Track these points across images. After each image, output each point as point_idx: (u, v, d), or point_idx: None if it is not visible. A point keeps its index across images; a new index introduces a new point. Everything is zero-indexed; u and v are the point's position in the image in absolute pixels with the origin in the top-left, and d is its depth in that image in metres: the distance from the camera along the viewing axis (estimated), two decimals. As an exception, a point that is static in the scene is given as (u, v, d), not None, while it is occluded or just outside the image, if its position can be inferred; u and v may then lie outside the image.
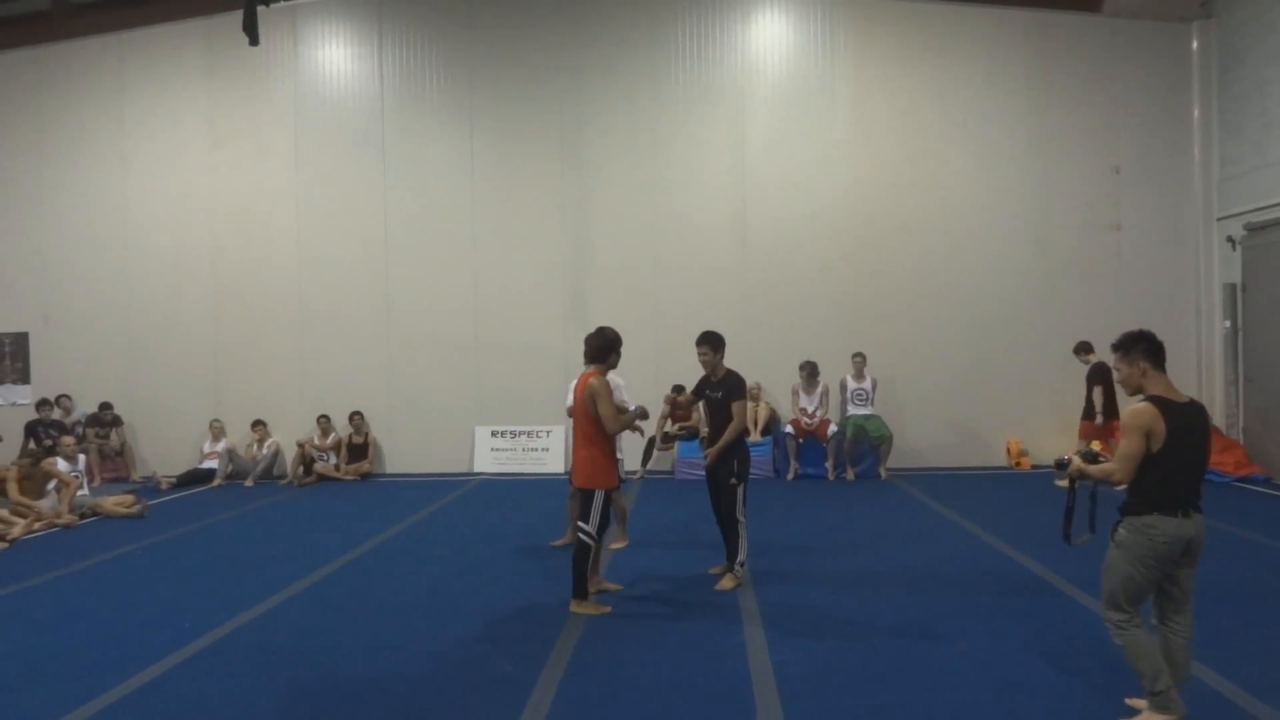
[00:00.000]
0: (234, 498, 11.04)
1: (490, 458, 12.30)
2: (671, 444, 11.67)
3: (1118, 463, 3.70)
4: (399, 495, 10.82)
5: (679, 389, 11.67)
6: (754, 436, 11.45)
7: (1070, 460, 3.96)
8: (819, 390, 11.58)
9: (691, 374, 11.49)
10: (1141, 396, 3.79)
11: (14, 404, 12.99)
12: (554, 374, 12.24)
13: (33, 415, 12.29)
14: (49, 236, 13.17)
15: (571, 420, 6.14)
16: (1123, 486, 3.77)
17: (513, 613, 5.85)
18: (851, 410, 11.47)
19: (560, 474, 12.05)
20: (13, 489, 9.34)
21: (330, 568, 7.18)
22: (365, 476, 12.16)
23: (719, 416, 6.45)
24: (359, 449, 12.35)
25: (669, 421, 11.76)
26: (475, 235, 12.56)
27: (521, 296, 12.48)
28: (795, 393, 11.60)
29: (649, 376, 11.95)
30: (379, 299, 12.63)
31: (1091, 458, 3.93)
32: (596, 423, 5.71)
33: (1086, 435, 10.01)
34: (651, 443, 11.79)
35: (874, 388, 11.53)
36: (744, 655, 4.85)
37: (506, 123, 12.56)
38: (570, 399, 6.32)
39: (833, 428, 11.38)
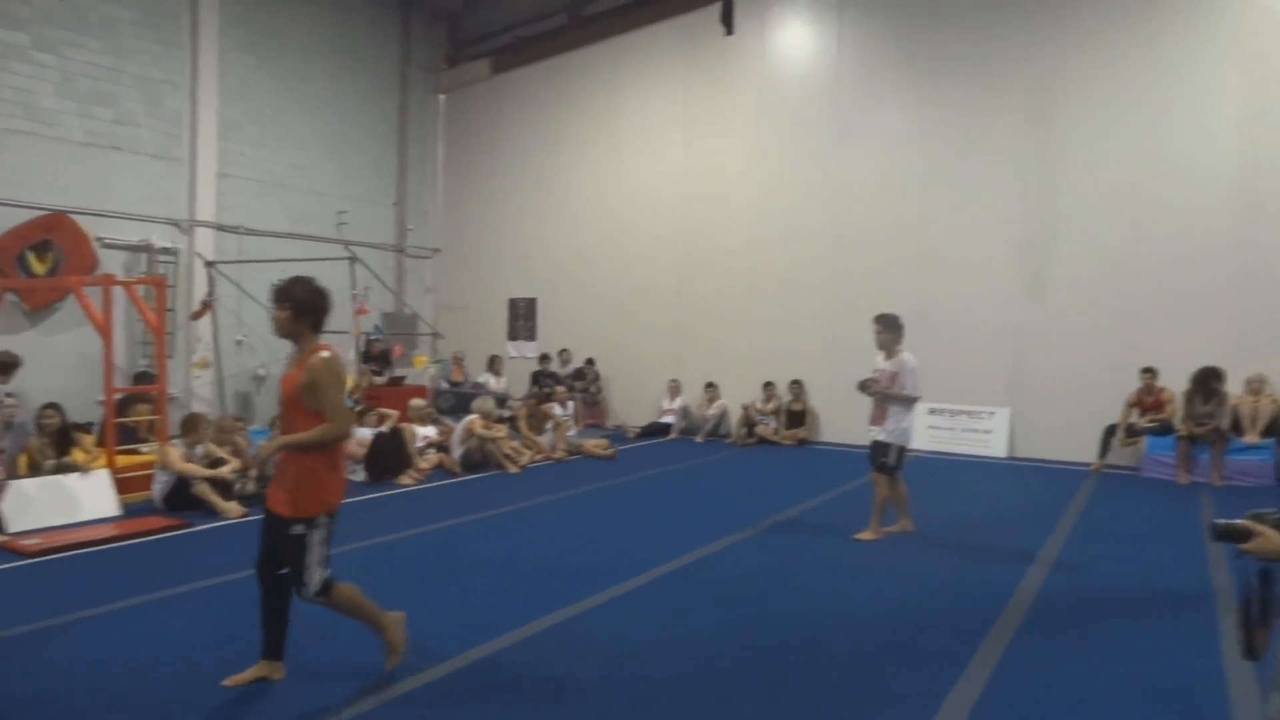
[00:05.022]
0: (686, 450, 12.28)
1: (927, 435, 11.98)
2: (1138, 437, 10.37)
3: None
4: (833, 462, 11.11)
5: (1150, 371, 10.32)
6: (1250, 437, 9.70)
7: (1244, 528, 2.44)
8: (1351, 388, 9.39)
9: (1171, 362, 10.10)
10: None
11: (524, 356, 15.86)
12: (1004, 352, 11.59)
13: (536, 367, 14.86)
14: (558, 217, 15.81)
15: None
16: None
17: (948, 589, 5.75)
18: (1399, 415, 9.12)
19: (1001, 458, 11.40)
20: (523, 425, 11.45)
21: (771, 520, 7.69)
22: (802, 442, 12.68)
23: None
24: (797, 415, 12.89)
25: (1136, 411, 10.48)
26: (927, 204, 12.21)
27: (973, 266, 11.87)
28: (1314, 389, 9.54)
29: (1115, 358, 10.72)
30: (826, 272, 12.94)
31: (1277, 524, 2.45)
32: (307, 418, 3.91)
33: None
34: (1111, 433, 10.59)
35: None
36: (1221, 682, 4.23)
37: (966, 89, 11.90)
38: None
39: (1369, 435, 9.17)
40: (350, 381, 11.37)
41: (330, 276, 13.47)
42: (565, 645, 4.65)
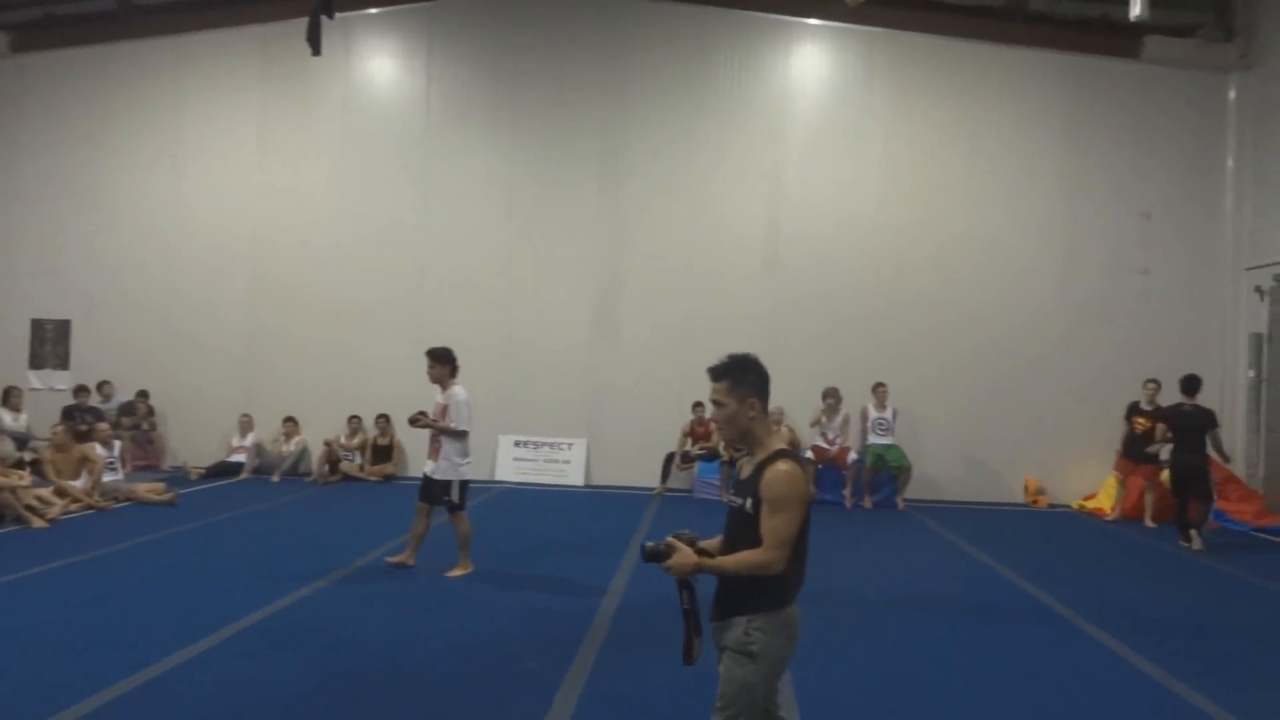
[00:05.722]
0: (261, 492, 11.27)
1: (513, 467, 12.48)
2: (692, 463, 11.82)
3: (777, 549, 2.69)
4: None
5: (700, 405, 11.85)
6: (774, 460, 11.59)
7: (666, 547, 2.80)
8: (840, 417, 11.69)
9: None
10: (769, 453, 2.85)
11: (52, 389, 13.29)
12: (581, 388, 12.48)
13: (70, 400, 12.56)
14: (99, 228, 13.49)
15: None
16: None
17: (536, 615, 6.01)
18: (872, 439, 11.57)
19: (580, 486, 12.23)
20: (50, 470, 9.61)
21: (358, 563, 7.36)
22: (389, 478, 12.36)
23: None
24: (384, 450, 12.56)
25: (689, 441, 11.94)
26: (510, 246, 12.79)
27: (552, 309, 12.68)
28: (817, 419, 11.70)
29: (673, 394, 12.11)
30: (412, 306, 12.83)
31: (692, 541, 2.85)
32: None
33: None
34: (670, 460, 11.95)
35: (895, 417, 11.64)
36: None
37: (547, 137, 12.82)
38: None
39: (853, 455, 11.49)
40: None
41: None
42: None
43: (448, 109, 13.04)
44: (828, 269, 12.35)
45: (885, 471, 11.48)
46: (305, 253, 13.13)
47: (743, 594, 2.78)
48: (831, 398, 11.62)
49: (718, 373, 2.95)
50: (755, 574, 2.72)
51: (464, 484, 7.09)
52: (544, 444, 12.55)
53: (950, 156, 12.36)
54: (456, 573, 7.07)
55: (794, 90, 12.63)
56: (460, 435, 7.01)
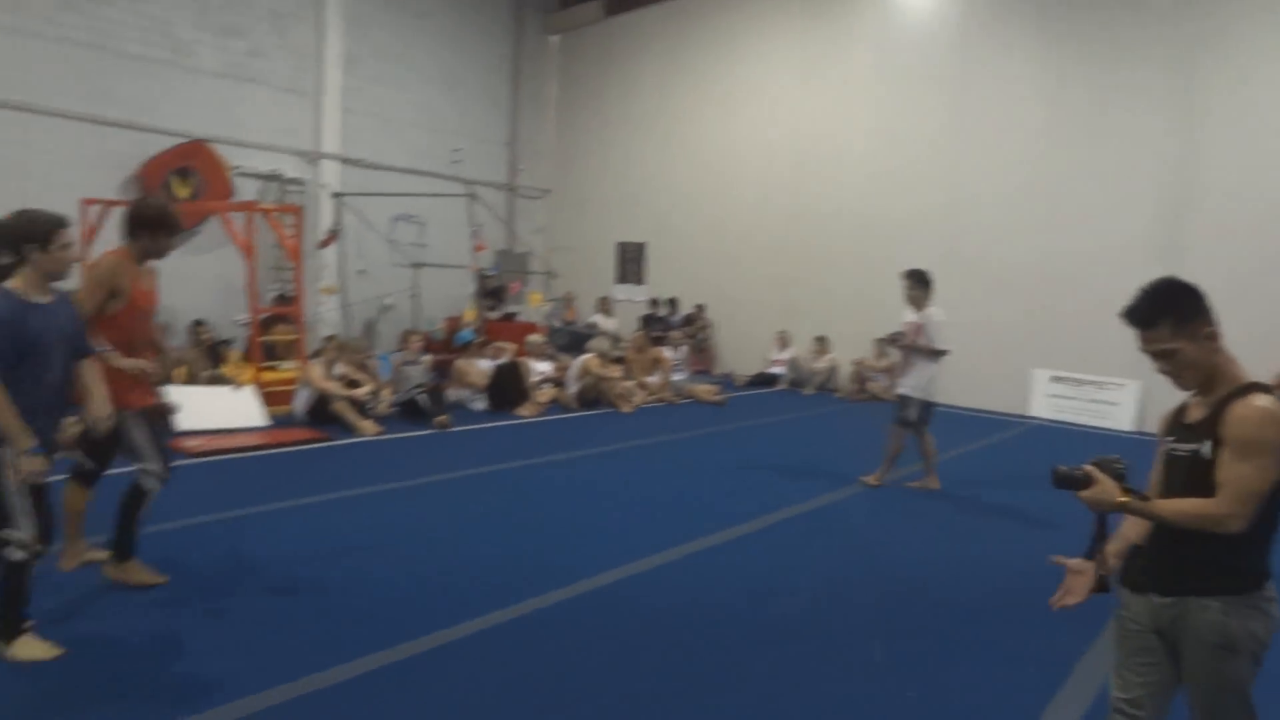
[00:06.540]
0: (794, 402, 12.24)
1: (1048, 403, 11.63)
2: None
3: (1239, 503, 2.13)
4: (943, 422, 10.84)
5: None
6: None
7: (1085, 475, 2.34)
8: None
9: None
10: (1237, 386, 2.28)
11: (632, 300, 15.95)
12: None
13: (644, 311, 14.95)
14: (665, 162, 15.66)
15: None
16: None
17: (1070, 554, 5.63)
18: None
19: (1128, 431, 10.97)
20: (632, 367, 11.59)
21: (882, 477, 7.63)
22: (912, 402, 12.44)
23: None
24: (908, 374, 12.65)
25: (1282, 390, 9.87)
26: (1052, 166, 11.64)
27: (1099, 235, 11.24)
28: None
29: (1262, 334, 10.06)
30: (944, 232, 12.51)
31: (1119, 475, 2.31)
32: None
33: None
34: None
35: None
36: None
37: (1100, 36, 11.22)
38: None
39: None
40: (471, 314, 11.68)
41: (446, 212, 13.91)
42: (688, 578, 4.79)
43: (985, 22, 12.18)
44: None
45: None
46: (840, 178, 13.57)
47: (1205, 571, 2.26)
48: None
49: (1149, 317, 2.36)
50: (1201, 528, 2.18)
51: (925, 404, 7.08)
52: (1088, 382, 11.43)
53: None
54: (871, 479, 7.23)
55: None
56: (939, 354, 7.01)
